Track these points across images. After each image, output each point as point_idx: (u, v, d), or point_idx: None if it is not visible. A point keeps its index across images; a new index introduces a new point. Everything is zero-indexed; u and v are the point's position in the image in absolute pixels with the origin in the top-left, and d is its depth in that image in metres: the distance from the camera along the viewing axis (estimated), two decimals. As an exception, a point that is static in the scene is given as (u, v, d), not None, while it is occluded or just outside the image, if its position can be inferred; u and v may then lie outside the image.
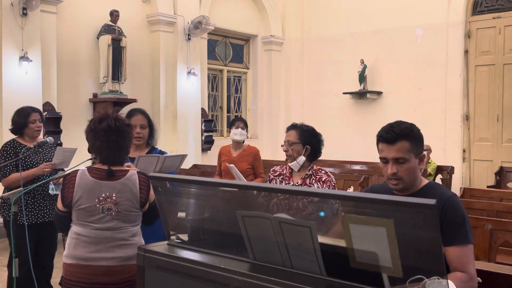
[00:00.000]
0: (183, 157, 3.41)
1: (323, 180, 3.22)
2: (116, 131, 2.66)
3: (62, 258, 2.70)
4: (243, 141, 5.10)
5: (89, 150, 2.81)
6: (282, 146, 3.33)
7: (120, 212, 2.62)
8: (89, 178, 2.63)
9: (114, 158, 2.68)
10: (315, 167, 3.30)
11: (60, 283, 2.79)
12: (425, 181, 2.23)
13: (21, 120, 3.94)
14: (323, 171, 3.28)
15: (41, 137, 4.16)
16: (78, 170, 2.69)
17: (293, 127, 3.33)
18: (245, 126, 5.07)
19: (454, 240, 2.02)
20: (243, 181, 4.26)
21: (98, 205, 2.60)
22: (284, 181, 3.30)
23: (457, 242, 2.02)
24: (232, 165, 4.48)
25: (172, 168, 3.34)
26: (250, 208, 2.06)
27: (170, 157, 3.32)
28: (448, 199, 2.10)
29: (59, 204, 2.68)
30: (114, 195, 2.62)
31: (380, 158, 2.19)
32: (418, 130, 2.19)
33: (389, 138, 2.13)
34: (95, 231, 2.60)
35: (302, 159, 3.23)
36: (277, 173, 3.38)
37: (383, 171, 2.20)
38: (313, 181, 3.22)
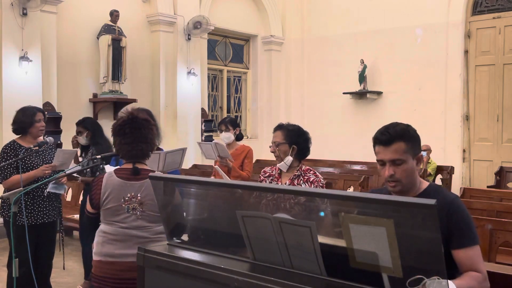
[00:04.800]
0: (183, 151, 3.43)
1: (311, 180, 3.20)
2: (130, 123, 2.71)
3: (92, 255, 2.78)
4: (232, 141, 4.89)
5: (118, 153, 2.83)
6: (270, 147, 3.32)
7: (144, 212, 2.68)
8: (115, 179, 2.70)
9: (133, 151, 2.71)
10: (303, 167, 3.28)
11: (89, 279, 2.85)
12: (426, 184, 2.21)
13: (27, 119, 3.93)
14: (311, 172, 3.26)
15: (41, 138, 4.15)
16: (105, 173, 2.78)
17: (279, 127, 3.32)
18: (229, 126, 4.85)
19: (464, 243, 2.03)
20: (226, 179, 4.27)
21: (123, 205, 2.67)
22: (273, 182, 3.30)
23: (467, 244, 2.03)
24: (216, 166, 4.50)
25: (174, 165, 3.35)
26: (250, 208, 2.06)
27: (170, 152, 3.34)
28: (452, 202, 2.09)
29: (88, 206, 2.77)
30: (139, 195, 2.68)
31: (377, 160, 2.17)
32: (415, 131, 2.16)
33: (384, 139, 2.11)
34: (121, 230, 2.67)
35: (289, 159, 3.22)
36: (267, 174, 3.38)
37: (381, 174, 2.18)
38: (301, 181, 3.21)
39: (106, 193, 2.68)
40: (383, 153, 2.12)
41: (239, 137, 4.97)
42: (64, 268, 4.77)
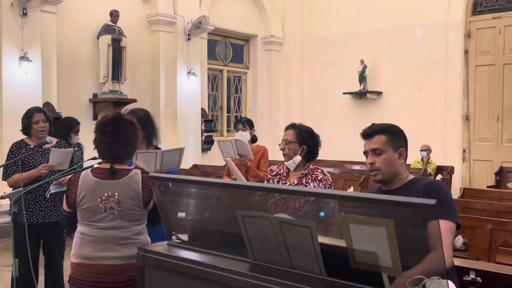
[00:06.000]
0: (181, 151, 3.39)
1: (319, 179, 3.22)
2: (113, 123, 2.65)
3: (70, 257, 2.72)
4: (249, 141, 4.87)
5: (98, 151, 2.78)
6: (279, 144, 3.34)
7: (122, 211, 2.62)
8: (91, 178, 2.63)
9: (111, 151, 2.65)
10: (311, 166, 3.30)
11: (69, 281, 2.80)
12: (411, 176, 2.36)
13: (25, 121, 3.95)
14: (319, 170, 3.28)
15: (46, 138, 4.16)
16: (82, 171, 2.70)
17: (291, 126, 3.34)
18: (246, 125, 4.90)
19: (439, 214, 2.03)
20: (238, 174, 4.25)
21: (100, 205, 2.61)
22: (281, 181, 3.31)
23: (441, 216, 2.02)
24: (228, 158, 4.47)
25: (172, 166, 3.32)
26: (250, 208, 2.06)
27: (167, 151, 3.31)
28: (434, 182, 2.26)
29: (64, 205, 2.69)
30: (116, 194, 2.61)
31: (363, 153, 2.36)
32: (400, 130, 2.35)
33: (367, 133, 2.34)
34: (98, 230, 2.60)
35: (298, 158, 3.24)
36: (274, 172, 3.39)
37: (367, 166, 2.37)
38: (309, 180, 3.23)
39: (82, 193, 2.61)
40: (367, 145, 2.33)
41: (253, 139, 4.97)
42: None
